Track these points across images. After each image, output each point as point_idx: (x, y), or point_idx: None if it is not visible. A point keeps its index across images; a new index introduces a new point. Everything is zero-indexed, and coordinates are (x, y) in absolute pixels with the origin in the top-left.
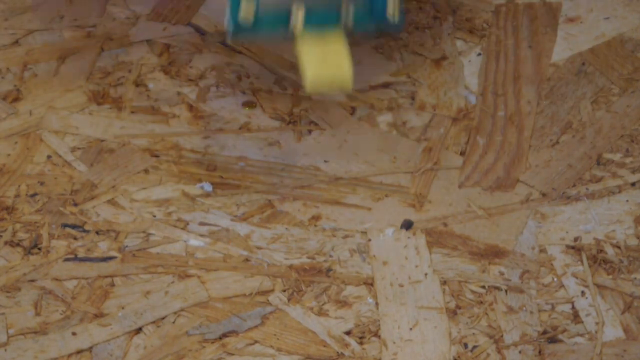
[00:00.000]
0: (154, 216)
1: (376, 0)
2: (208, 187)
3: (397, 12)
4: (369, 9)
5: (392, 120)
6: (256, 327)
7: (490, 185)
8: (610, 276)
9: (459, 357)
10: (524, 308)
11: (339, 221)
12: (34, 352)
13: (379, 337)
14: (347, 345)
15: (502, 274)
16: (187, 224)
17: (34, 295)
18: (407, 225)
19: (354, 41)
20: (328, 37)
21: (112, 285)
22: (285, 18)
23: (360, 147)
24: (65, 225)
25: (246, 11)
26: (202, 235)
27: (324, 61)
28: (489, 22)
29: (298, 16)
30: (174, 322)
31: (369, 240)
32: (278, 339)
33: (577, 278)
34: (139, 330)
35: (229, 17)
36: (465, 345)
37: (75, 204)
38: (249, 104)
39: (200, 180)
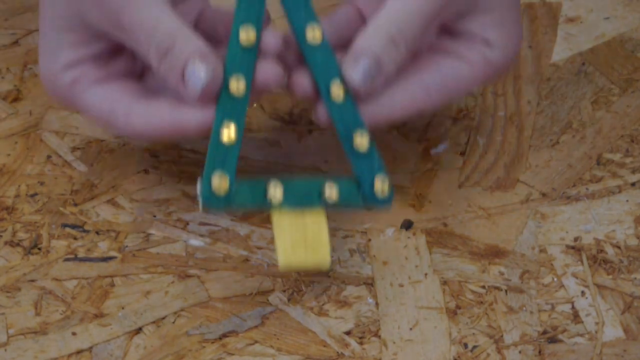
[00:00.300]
0: (154, 216)
1: (363, 178)
2: None
3: (386, 188)
4: (355, 187)
5: None
6: (256, 327)
7: (490, 185)
8: (610, 276)
9: (459, 357)
10: (524, 308)
11: (339, 221)
12: (34, 352)
13: (379, 337)
14: (347, 345)
15: (502, 274)
16: (187, 224)
17: (34, 295)
18: (407, 225)
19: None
20: (307, 215)
21: (112, 285)
22: (261, 193)
23: None
24: (65, 225)
25: (219, 183)
26: (202, 235)
27: (301, 241)
28: None
29: (276, 193)
30: (174, 322)
31: (369, 240)
32: (278, 339)
33: (577, 278)
34: (139, 330)
35: (201, 187)
36: (465, 345)
37: (75, 204)
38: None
39: None
